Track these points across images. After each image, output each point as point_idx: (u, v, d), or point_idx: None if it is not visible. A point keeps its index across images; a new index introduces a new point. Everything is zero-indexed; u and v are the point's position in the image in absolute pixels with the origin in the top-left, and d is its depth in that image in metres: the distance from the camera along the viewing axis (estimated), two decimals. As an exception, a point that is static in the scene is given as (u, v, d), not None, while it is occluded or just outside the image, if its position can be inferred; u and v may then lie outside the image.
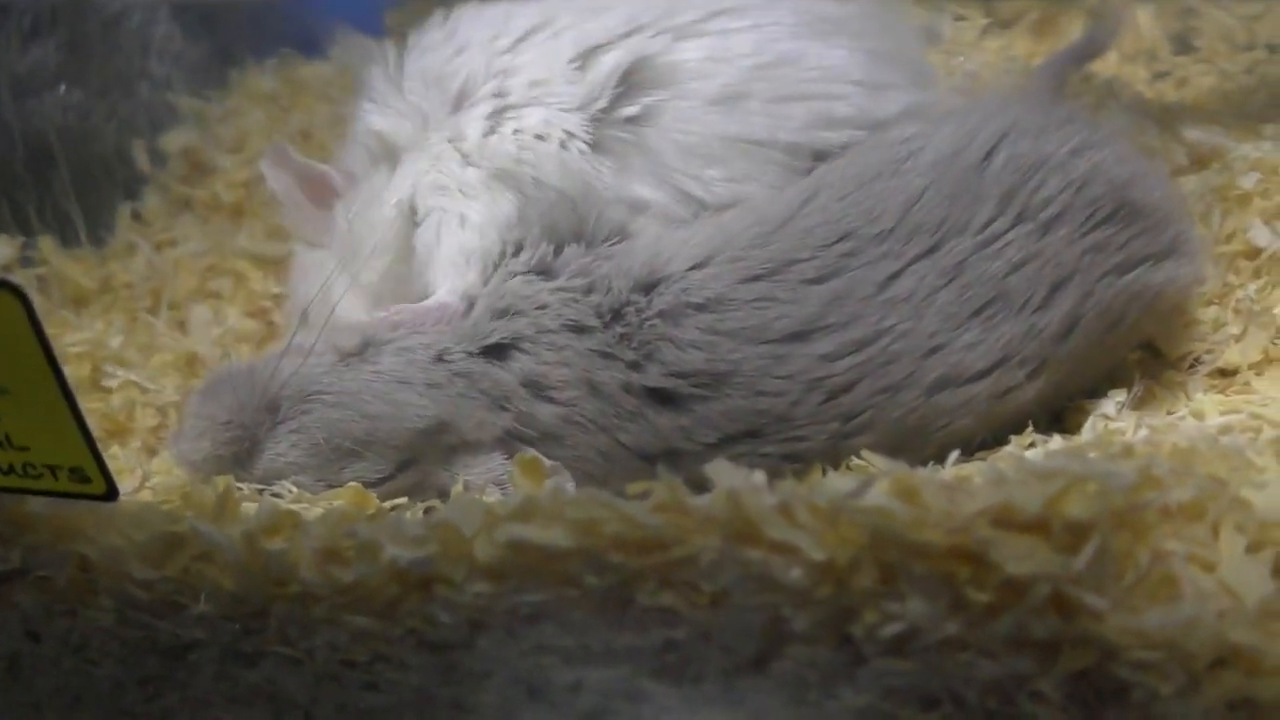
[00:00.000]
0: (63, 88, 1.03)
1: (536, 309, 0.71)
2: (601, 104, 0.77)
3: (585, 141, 0.77)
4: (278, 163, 0.85)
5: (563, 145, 0.76)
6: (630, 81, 0.78)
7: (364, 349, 0.72)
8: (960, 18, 1.22)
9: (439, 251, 0.77)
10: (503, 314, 0.71)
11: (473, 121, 0.78)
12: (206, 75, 1.20)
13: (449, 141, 0.79)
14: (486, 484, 0.68)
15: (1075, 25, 1.23)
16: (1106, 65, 1.11)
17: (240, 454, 0.69)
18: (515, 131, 0.77)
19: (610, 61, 0.78)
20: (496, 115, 0.78)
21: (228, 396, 0.70)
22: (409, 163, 0.80)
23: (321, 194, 0.85)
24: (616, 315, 0.69)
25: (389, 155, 0.82)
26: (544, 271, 0.73)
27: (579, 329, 0.69)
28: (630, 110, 0.78)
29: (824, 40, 0.82)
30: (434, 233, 0.78)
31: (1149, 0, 1.20)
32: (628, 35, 0.79)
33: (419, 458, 0.70)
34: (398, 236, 0.79)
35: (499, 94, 0.79)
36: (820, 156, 0.78)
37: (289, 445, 0.69)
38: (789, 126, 0.78)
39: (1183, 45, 1.16)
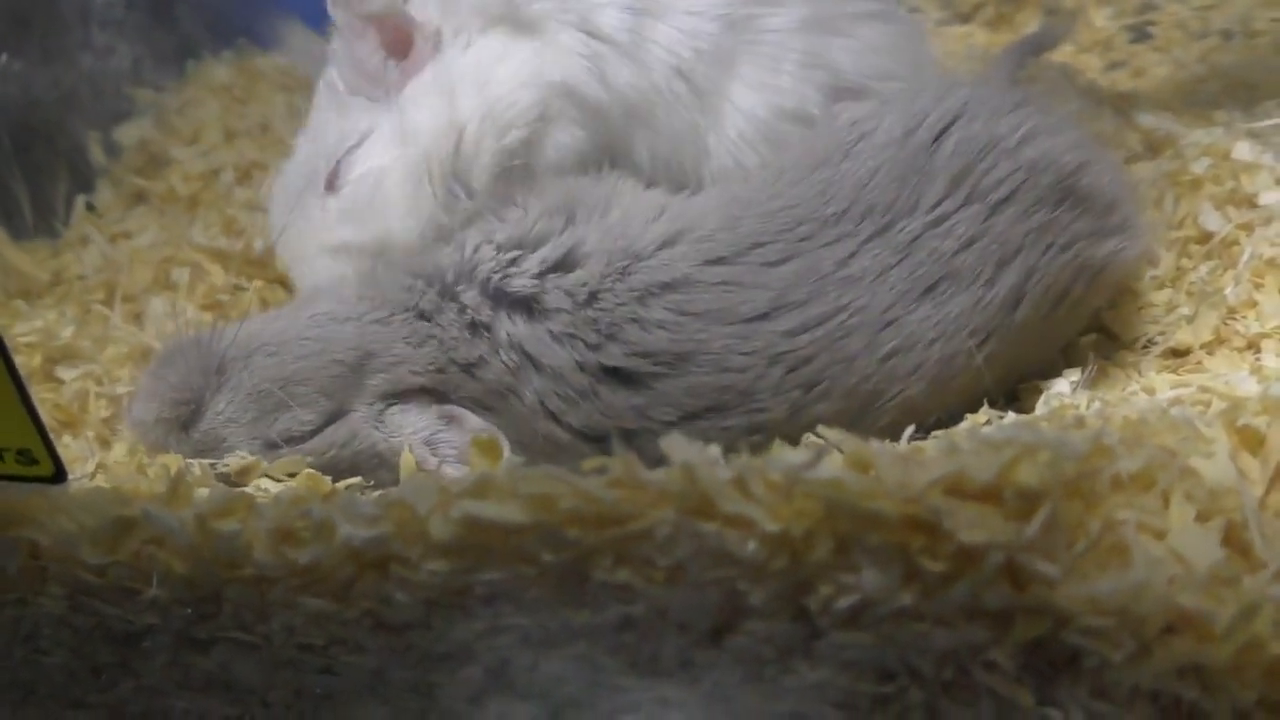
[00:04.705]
0: (4, 56, 1.01)
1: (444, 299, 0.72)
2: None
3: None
4: None
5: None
6: None
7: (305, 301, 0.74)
8: (914, 10, 1.23)
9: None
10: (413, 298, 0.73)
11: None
12: (162, 66, 1.19)
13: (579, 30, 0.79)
14: (418, 443, 0.69)
15: (1031, 21, 1.24)
16: (1063, 54, 1.13)
17: (186, 417, 0.70)
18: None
19: None
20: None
21: (180, 362, 0.71)
22: (548, 42, 0.79)
23: (398, 43, 0.80)
24: (593, 298, 0.70)
25: (512, 20, 0.79)
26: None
27: (525, 309, 0.70)
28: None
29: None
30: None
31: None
32: None
33: (345, 406, 0.70)
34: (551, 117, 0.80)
35: None
36: None
37: (226, 403, 0.70)
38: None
39: (1139, 34, 1.17)
